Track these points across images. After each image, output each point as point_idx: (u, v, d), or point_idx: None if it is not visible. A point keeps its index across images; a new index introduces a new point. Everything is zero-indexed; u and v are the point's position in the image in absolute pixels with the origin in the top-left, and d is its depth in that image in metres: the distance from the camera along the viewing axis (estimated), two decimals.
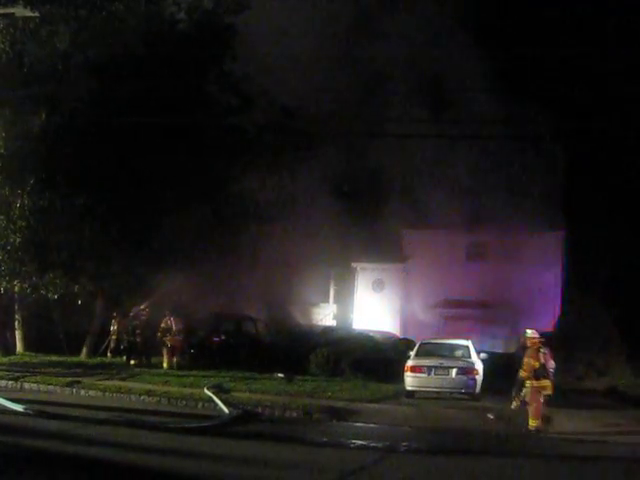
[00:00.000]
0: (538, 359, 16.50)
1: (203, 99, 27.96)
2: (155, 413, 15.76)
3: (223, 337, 30.65)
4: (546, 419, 16.47)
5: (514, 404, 18.19)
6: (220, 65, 29.11)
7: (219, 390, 19.34)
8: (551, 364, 17.86)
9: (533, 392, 16.35)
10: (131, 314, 28.42)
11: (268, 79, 30.43)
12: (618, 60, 30.23)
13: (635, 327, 34.97)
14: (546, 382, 16.45)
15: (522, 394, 17.49)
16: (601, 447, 14.07)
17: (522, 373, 16.79)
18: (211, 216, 29.36)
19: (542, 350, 16.75)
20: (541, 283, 39.08)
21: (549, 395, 16.68)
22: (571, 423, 17.27)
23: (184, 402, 17.81)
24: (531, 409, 16.22)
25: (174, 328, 26.80)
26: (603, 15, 39.48)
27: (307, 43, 35.74)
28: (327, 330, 34.74)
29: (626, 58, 28.03)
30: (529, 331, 17.46)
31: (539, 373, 16.38)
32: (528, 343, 17.08)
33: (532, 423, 15.98)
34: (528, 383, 16.55)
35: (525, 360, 16.71)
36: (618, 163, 40.08)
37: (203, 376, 22.68)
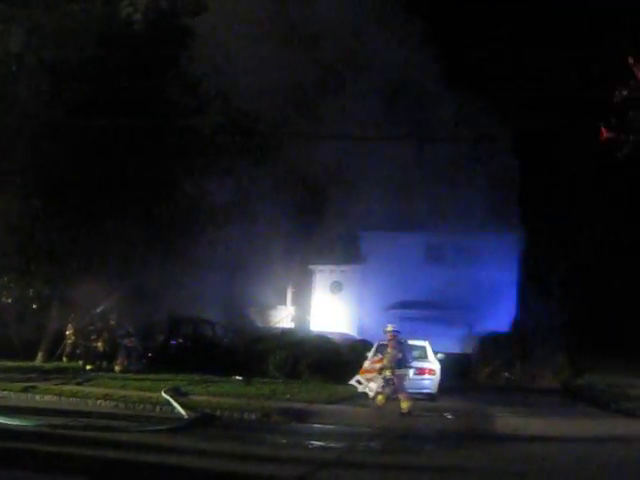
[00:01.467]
0: (401, 350, 18.76)
1: (159, 100, 27.76)
2: (112, 417, 15.59)
3: (180, 340, 30.55)
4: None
5: (379, 398, 19.01)
6: (176, 66, 28.94)
7: (177, 393, 19.22)
8: (409, 355, 19.92)
9: (399, 380, 18.37)
10: (87, 318, 28.18)
11: (225, 81, 30.33)
12: (573, 58, 30.65)
13: (590, 326, 35.59)
14: (405, 371, 18.79)
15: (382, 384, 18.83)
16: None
17: (384, 362, 18.68)
18: (168, 218, 29.18)
19: (401, 343, 19.12)
20: (497, 284, 39.50)
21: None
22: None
23: (142, 406, 17.64)
24: (402, 395, 18.21)
25: (130, 332, 26.68)
26: (556, 14, 40.12)
27: (264, 45, 35.82)
28: (285, 332, 34.74)
29: (578, 56, 28.43)
30: (389, 326, 19.39)
31: (402, 362, 18.61)
32: (389, 336, 18.99)
33: (404, 406, 17.92)
34: (389, 372, 18.41)
35: (389, 351, 18.68)
36: (574, 164, 40.71)
37: (161, 380, 22.52)
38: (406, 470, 11.02)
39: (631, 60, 8.44)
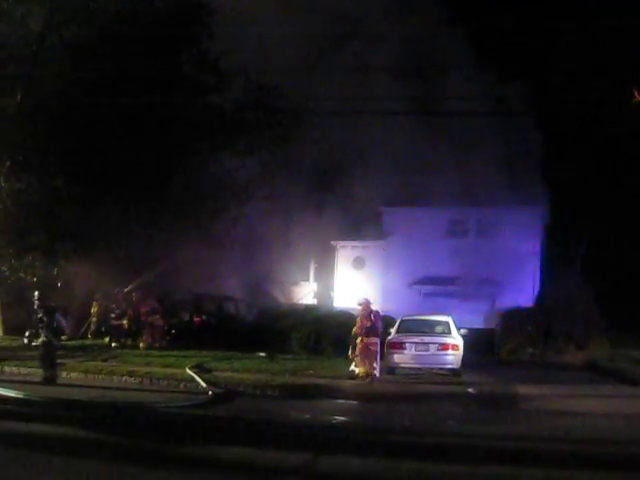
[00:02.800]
0: (370, 320, 19.77)
1: (180, 78, 27.76)
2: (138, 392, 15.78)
3: (204, 317, 30.72)
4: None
5: (353, 365, 19.84)
6: (197, 44, 28.89)
7: (201, 370, 19.39)
8: (379, 324, 20.36)
9: (362, 346, 19.40)
10: (112, 296, 28.43)
11: (246, 58, 30.24)
12: (599, 34, 30.27)
13: (613, 301, 35.34)
14: (374, 339, 19.54)
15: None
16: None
17: (355, 330, 19.94)
18: (191, 196, 29.29)
19: (372, 313, 20.10)
20: (520, 258, 39.30)
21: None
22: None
23: (166, 382, 17.82)
24: (357, 360, 19.52)
25: (155, 309, 26.89)
26: None
27: (286, 22, 35.65)
28: (308, 309, 34.81)
29: (605, 33, 28.07)
30: (361, 298, 20.89)
31: (369, 331, 19.53)
32: (362, 308, 20.35)
33: (359, 371, 19.25)
34: (359, 339, 19.57)
35: (358, 320, 20.08)
36: (597, 140, 40.37)
37: (185, 356, 22.72)
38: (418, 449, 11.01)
39: None
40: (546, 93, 35.79)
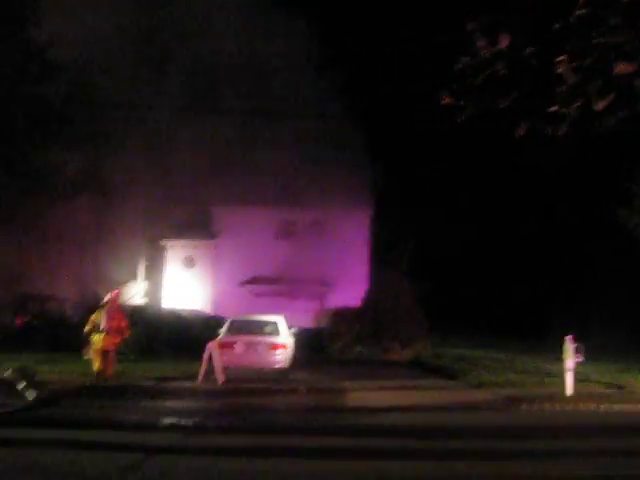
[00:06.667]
0: (120, 315, 19.52)
1: (4, 66, 26.54)
2: None
3: (27, 318, 29.53)
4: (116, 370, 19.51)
5: (86, 357, 19.91)
6: (22, 30, 27.66)
7: (23, 373, 18.56)
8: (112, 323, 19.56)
9: (106, 344, 19.11)
10: None
11: (75, 49, 29.31)
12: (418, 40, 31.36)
13: (436, 301, 36.95)
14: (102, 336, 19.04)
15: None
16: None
17: (86, 328, 19.48)
18: (14, 190, 28.05)
19: (104, 310, 19.43)
20: (349, 260, 40.28)
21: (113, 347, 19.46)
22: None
23: None
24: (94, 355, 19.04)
25: None
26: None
27: (114, 16, 34.76)
28: (137, 309, 34.14)
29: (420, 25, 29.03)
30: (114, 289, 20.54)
31: (97, 329, 19.15)
32: (112, 299, 19.82)
33: (95, 367, 18.86)
34: (91, 336, 19.24)
35: (104, 313, 19.36)
36: (422, 147, 41.99)
37: (5, 359, 21.67)
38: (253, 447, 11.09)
39: (470, 26, 8.74)
40: (371, 99, 36.77)
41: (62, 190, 30.00)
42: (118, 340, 19.57)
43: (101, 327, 19.29)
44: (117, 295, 20.15)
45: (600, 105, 8.12)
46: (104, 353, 19.08)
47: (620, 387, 18.72)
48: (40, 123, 28.28)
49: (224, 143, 37.86)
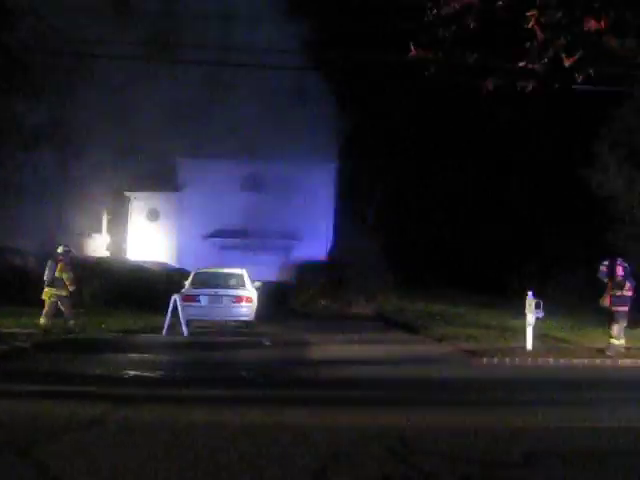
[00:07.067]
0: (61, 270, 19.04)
1: None
2: None
3: None
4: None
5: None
6: None
7: None
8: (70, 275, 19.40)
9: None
10: None
11: None
12: None
13: (401, 256, 37.19)
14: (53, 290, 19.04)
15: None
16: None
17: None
18: None
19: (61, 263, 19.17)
20: (314, 213, 40.32)
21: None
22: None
23: None
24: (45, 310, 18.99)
25: None
26: None
27: None
28: (100, 261, 33.92)
29: None
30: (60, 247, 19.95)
31: (57, 283, 18.95)
32: (62, 255, 19.54)
33: (41, 322, 18.73)
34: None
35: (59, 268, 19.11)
36: (388, 99, 41.76)
37: None
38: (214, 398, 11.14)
39: None
40: (335, 47, 36.34)
41: (24, 141, 29.49)
42: (63, 293, 19.18)
43: (44, 278, 19.29)
44: (66, 251, 19.79)
45: (568, 61, 8.13)
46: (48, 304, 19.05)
47: (577, 342, 19.09)
48: (0, 72, 27.69)
49: (189, 94, 37.41)
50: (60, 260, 19.37)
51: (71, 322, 19.23)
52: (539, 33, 8.08)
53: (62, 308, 19.22)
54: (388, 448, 7.74)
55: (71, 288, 19.28)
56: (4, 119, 28.99)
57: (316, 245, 39.41)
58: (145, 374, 13.05)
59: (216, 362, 15.30)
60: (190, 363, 15.21)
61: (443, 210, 43.21)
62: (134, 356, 15.81)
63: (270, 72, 33.82)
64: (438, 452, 7.70)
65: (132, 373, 13.04)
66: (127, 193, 42.98)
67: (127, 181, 40.76)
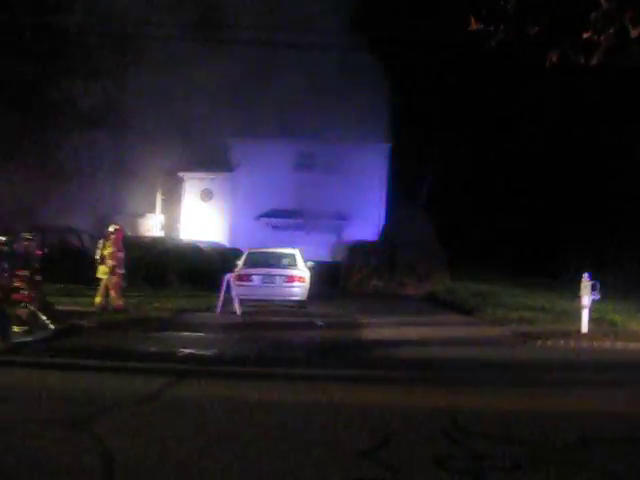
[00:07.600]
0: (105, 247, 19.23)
1: None
2: None
3: (46, 250, 29.63)
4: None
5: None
6: None
7: (43, 304, 18.69)
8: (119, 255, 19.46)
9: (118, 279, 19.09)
10: None
11: None
12: None
13: (454, 236, 36.86)
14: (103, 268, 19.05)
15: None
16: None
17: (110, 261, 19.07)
18: (30, 123, 27.90)
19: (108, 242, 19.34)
20: (367, 193, 40.18)
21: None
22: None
23: None
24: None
25: None
26: None
27: None
28: (155, 241, 34.25)
29: None
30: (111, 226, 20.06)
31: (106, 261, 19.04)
32: (115, 234, 19.62)
33: (97, 300, 18.95)
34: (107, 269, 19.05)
35: (109, 247, 19.23)
36: (443, 78, 41.30)
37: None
38: (268, 378, 11.15)
39: None
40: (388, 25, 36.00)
41: (79, 123, 29.83)
42: (116, 272, 19.15)
43: (95, 257, 19.55)
44: (119, 230, 19.88)
45: (635, 32, 7.82)
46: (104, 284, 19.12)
47: (634, 326, 18.65)
48: (55, 54, 28.00)
49: (242, 74, 37.41)
50: (109, 239, 19.54)
51: (120, 302, 19.25)
52: (604, 2, 7.82)
53: (108, 286, 19.24)
54: (441, 429, 7.69)
55: (111, 263, 19.10)
56: (60, 101, 29.33)
57: (368, 225, 39.23)
58: (199, 352, 13.16)
59: (268, 342, 15.33)
60: (243, 342, 15.28)
61: (497, 191, 42.67)
62: (188, 334, 15.94)
63: (323, 52, 33.75)
64: (491, 434, 7.63)
65: (186, 351, 13.16)
66: (181, 173, 43.27)
67: (181, 162, 41.03)
